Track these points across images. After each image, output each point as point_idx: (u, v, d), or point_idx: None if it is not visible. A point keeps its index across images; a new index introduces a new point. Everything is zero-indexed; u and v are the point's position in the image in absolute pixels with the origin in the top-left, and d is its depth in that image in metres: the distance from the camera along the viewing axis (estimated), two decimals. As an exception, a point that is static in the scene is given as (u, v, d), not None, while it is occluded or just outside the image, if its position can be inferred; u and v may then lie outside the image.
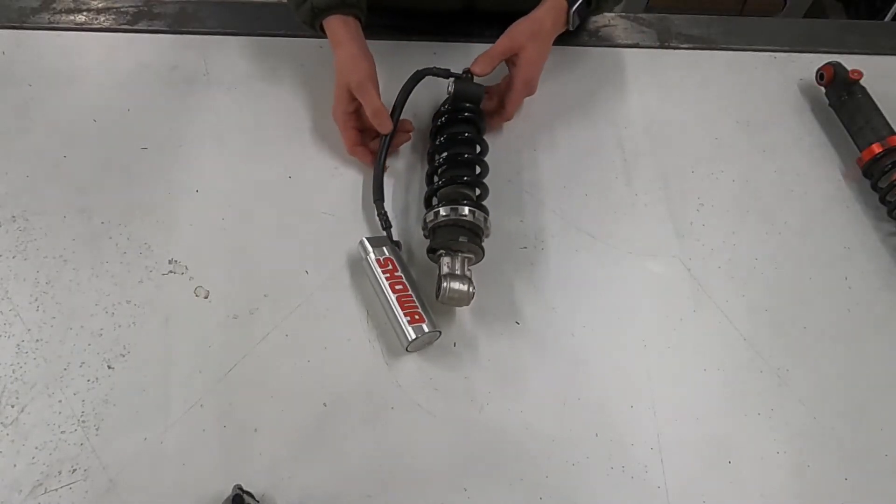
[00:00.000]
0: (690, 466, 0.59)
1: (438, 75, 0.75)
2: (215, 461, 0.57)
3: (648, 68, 0.87)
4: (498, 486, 0.58)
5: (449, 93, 0.73)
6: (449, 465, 0.59)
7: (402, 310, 0.62)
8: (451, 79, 0.73)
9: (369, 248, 0.65)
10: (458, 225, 0.64)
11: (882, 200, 0.75)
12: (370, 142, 0.74)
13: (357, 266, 0.68)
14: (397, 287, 0.63)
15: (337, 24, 0.72)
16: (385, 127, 0.71)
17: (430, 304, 0.64)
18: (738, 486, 0.59)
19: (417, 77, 0.76)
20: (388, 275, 0.64)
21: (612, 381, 0.63)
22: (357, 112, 0.73)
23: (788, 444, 0.61)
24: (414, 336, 0.60)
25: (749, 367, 0.65)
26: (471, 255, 0.65)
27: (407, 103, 0.75)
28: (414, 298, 0.63)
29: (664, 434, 0.61)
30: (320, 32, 0.74)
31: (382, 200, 0.70)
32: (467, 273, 0.63)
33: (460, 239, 0.63)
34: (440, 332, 0.63)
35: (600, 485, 0.58)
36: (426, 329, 0.61)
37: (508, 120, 0.79)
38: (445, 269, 0.62)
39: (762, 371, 0.65)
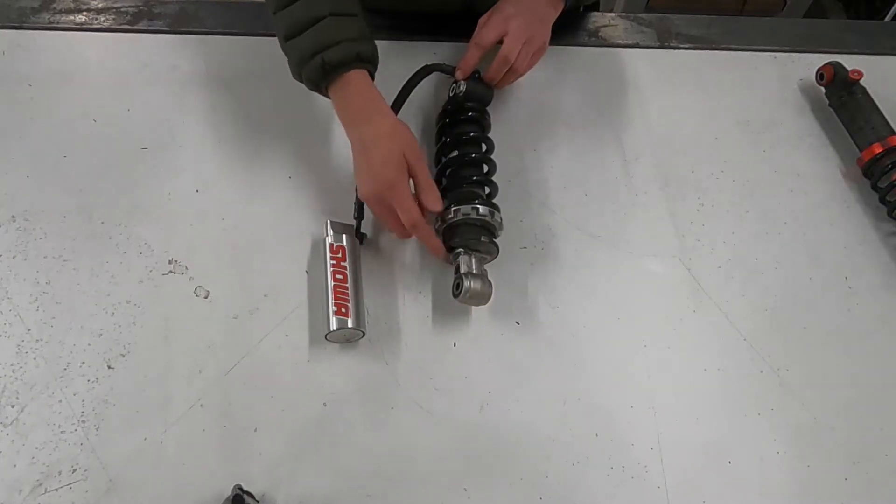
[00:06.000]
0: (690, 466, 0.59)
1: (446, 72, 0.75)
2: (215, 461, 0.57)
3: (648, 68, 0.87)
4: (498, 486, 0.58)
5: (458, 93, 0.72)
6: (449, 465, 0.59)
7: (334, 298, 0.62)
8: (461, 81, 0.73)
9: (329, 231, 0.66)
10: (476, 224, 0.64)
11: (882, 200, 0.75)
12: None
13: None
14: (338, 276, 0.63)
15: (364, 83, 0.64)
16: (437, 204, 0.63)
17: (367, 304, 0.64)
18: (738, 486, 0.59)
19: (424, 72, 0.74)
20: (334, 261, 0.64)
21: (612, 381, 0.63)
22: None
23: (788, 444, 0.61)
24: (335, 327, 0.60)
25: (749, 367, 0.65)
26: (486, 255, 0.65)
27: (412, 104, 0.74)
28: (349, 291, 0.62)
29: (664, 434, 0.61)
30: (325, 94, 0.66)
31: None
32: (484, 272, 0.63)
33: (482, 238, 0.63)
34: (363, 333, 0.63)
35: (600, 485, 0.58)
36: (349, 325, 0.61)
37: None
38: (464, 268, 0.62)
39: (762, 371, 0.65)
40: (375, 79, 0.67)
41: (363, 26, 0.66)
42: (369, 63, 0.65)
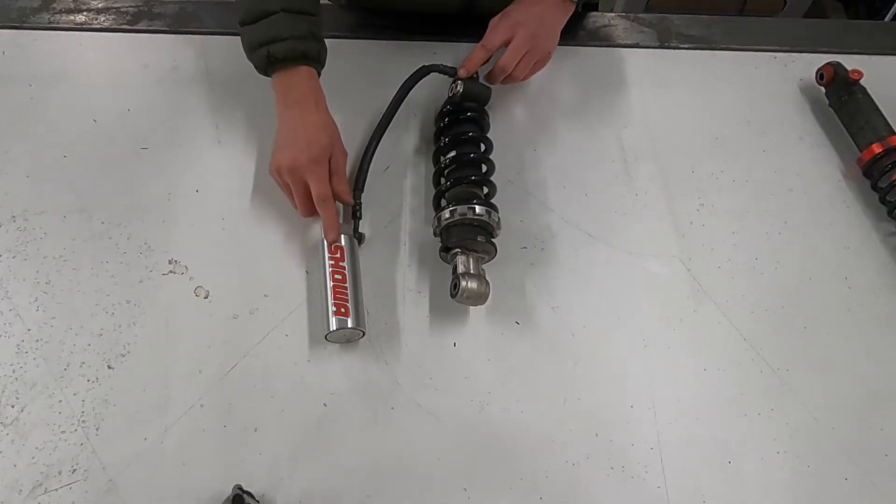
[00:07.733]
0: (690, 466, 0.59)
1: (444, 72, 0.75)
2: (215, 461, 0.57)
3: (648, 68, 0.87)
4: (498, 486, 0.58)
5: (456, 93, 0.72)
6: (449, 465, 0.59)
7: (333, 299, 0.62)
8: (458, 81, 0.73)
9: None
10: (473, 224, 0.64)
11: (882, 200, 0.75)
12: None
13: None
14: (336, 276, 0.63)
15: (308, 77, 0.67)
16: (348, 196, 0.69)
17: (367, 304, 0.64)
18: (738, 486, 0.59)
19: (422, 73, 0.75)
20: (333, 262, 0.64)
21: (612, 380, 0.63)
22: None
23: (788, 444, 0.61)
24: (334, 327, 0.60)
25: (749, 367, 0.65)
26: (484, 255, 0.65)
27: (411, 105, 0.74)
28: (348, 291, 0.62)
29: (664, 434, 0.61)
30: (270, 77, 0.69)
31: (362, 191, 0.71)
32: (482, 272, 0.63)
33: (479, 238, 0.63)
34: (363, 333, 0.63)
35: (600, 485, 0.58)
36: (349, 324, 0.61)
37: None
38: (462, 268, 0.62)
39: (762, 371, 0.65)
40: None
41: (314, 25, 0.67)
42: (315, 62, 0.68)
